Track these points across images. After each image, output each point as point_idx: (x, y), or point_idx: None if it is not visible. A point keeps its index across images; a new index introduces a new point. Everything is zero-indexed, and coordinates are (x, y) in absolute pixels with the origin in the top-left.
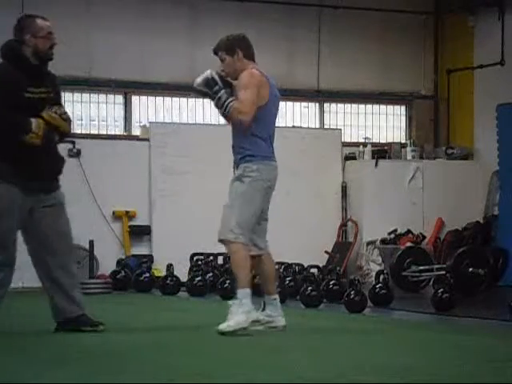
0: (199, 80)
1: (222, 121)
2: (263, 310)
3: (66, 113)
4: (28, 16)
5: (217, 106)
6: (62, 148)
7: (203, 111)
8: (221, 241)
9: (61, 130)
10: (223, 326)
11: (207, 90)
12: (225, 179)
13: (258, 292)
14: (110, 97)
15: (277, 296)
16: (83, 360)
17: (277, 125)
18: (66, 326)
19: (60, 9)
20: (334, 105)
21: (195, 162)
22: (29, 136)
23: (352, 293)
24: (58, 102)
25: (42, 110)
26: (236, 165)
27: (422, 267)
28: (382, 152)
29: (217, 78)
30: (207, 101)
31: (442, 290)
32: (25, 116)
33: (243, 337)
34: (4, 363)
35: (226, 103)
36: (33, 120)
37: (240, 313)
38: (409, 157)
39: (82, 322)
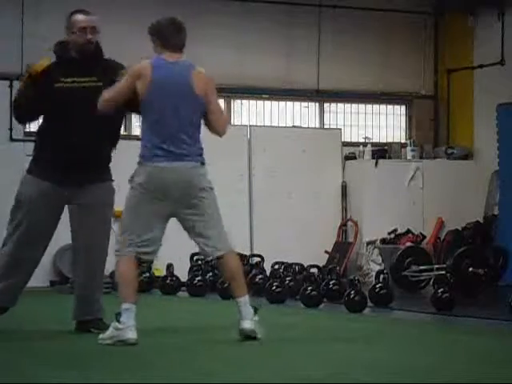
0: None
1: None
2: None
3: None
4: (71, 13)
5: None
6: None
7: None
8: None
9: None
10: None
11: None
12: (225, 179)
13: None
14: None
15: (242, 298)
16: (82, 360)
17: (277, 125)
18: (79, 327)
19: (60, 9)
20: (334, 105)
21: None
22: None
23: (352, 293)
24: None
25: (82, 97)
26: None
27: (422, 267)
28: (382, 152)
29: None
30: None
31: (441, 289)
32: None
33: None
34: (12, 363)
35: None
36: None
37: (111, 327)
38: (409, 157)
39: (95, 326)
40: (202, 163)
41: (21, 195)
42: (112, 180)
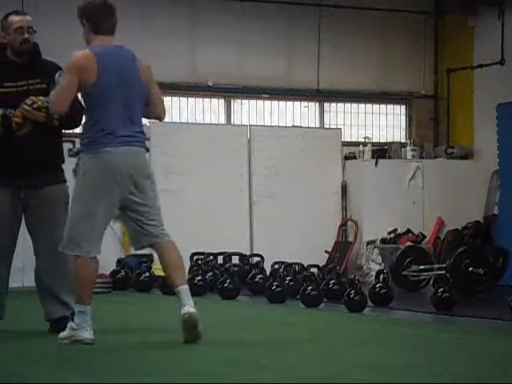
0: None
1: (223, 120)
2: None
3: (41, 101)
4: (4, 16)
5: None
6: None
7: (203, 111)
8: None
9: (39, 120)
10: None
11: None
12: (225, 178)
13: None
14: None
15: (184, 287)
16: (82, 360)
17: (277, 124)
18: (51, 326)
19: (61, 9)
20: (333, 104)
21: (195, 161)
22: (13, 120)
23: (352, 292)
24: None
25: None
26: None
27: (421, 266)
28: (381, 151)
29: None
30: (207, 100)
31: (441, 289)
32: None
33: (242, 336)
34: (11, 363)
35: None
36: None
37: (68, 327)
38: (409, 156)
39: (64, 324)
40: (147, 150)
41: None
42: (65, 181)
